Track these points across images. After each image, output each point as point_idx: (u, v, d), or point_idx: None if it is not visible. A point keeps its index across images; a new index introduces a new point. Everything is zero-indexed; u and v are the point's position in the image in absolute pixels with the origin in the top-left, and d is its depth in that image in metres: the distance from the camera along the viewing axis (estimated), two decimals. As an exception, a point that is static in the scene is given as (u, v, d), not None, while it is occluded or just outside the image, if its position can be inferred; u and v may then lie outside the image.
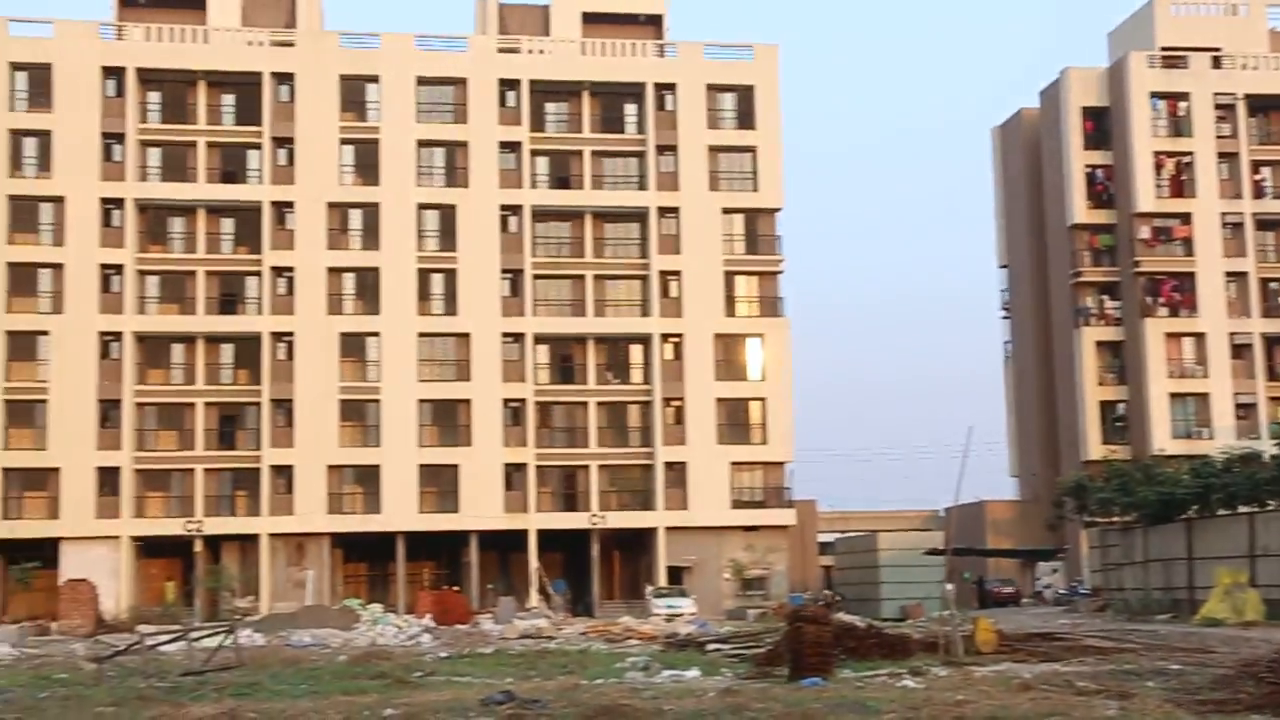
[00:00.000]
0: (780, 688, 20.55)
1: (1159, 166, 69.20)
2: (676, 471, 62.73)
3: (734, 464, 62.93)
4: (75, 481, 58.59)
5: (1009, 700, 17.22)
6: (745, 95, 64.64)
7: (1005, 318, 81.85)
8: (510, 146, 63.34)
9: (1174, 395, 67.64)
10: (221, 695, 20.20)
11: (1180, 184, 69.24)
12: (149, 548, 60.26)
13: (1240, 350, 68.32)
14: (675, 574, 61.39)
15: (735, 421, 63.58)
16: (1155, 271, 68.84)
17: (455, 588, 58.84)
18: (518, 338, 62.55)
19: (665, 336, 63.38)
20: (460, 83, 63.27)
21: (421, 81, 63.05)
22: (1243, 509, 43.29)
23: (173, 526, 59.27)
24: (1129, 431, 69.01)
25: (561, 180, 64.12)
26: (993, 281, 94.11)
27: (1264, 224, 69.54)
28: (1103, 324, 70.31)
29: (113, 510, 58.90)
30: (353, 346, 61.83)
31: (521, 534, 61.02)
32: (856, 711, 16.14)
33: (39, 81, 60.64)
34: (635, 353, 64.26)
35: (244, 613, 54.59)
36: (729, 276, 64.07)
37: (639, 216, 64.08)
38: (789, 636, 22.88)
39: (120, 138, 60.97)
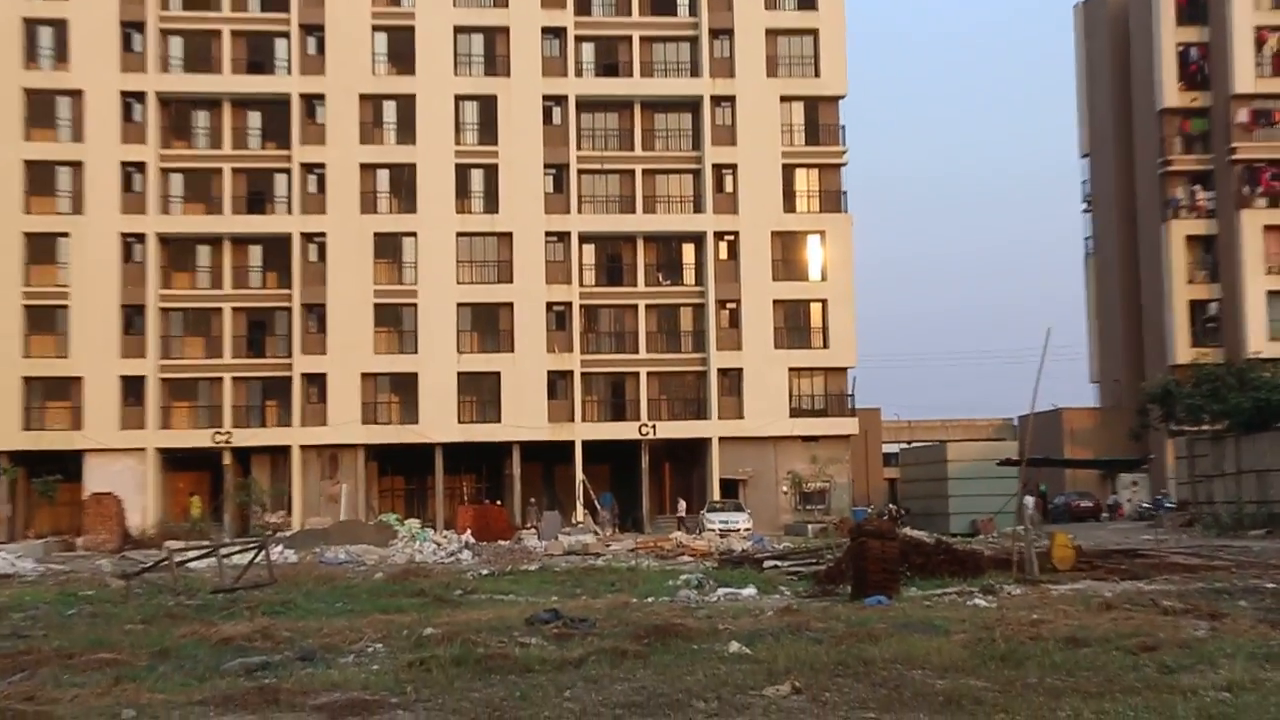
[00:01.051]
0: (842, 606, 20.60)
1: (1260, 43, 67.35)
2: (731, 378, 62.71)
3: (792, 370, 62.78)
4: (98, 391, 59.40)
5: (1088, 620, 17.14)
6: (805, -28, 63.54)
7: (1087, 211, 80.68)
8: (554, 32, 62.62)
9: (1271, 293, 66.55)
10: (254, 613, 20.50)
11: (1282, 63, 67.42)
12: (176, 460, 61.18)
13: (1345, 245, 66.94)
14: (730, 487, 61.65)
15: (794, 324, 63.30)
16: (1253, 159, 67.36)
17: (497, 502, 59.44)
18: (562, 237, 62.36)
19: (719, 234, 62.98)
20: (497, -39, 62.53)
21: (456, -39, 62.38)
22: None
23: (200, 438, 60.10)
24: (1221, 333, 68.07)
25: (609, 68, 63.42)
26: (1074, 173, 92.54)
27: (1374, 107, 67.67)
28: (1193, 216, 69.07)
29: (138, 421, 59.75)
30: (388, 247, 61.91)
31: (566, 445, 61.37)
32: (924, 631, 16.15)
33: (50, -35, 60.49)
34: (687, 252, 63.95)
35: (275, 528, 55.45)
36: (788, 169, 63.39)
37: (691, 106, 63.38)
38: (852, 553, 22.91)
39: (140, 26, 60.82)
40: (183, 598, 24.39)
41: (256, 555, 28.11)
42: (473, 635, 16.18)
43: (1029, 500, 62.04)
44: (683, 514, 58.98)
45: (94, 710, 11.67)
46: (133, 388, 60.16)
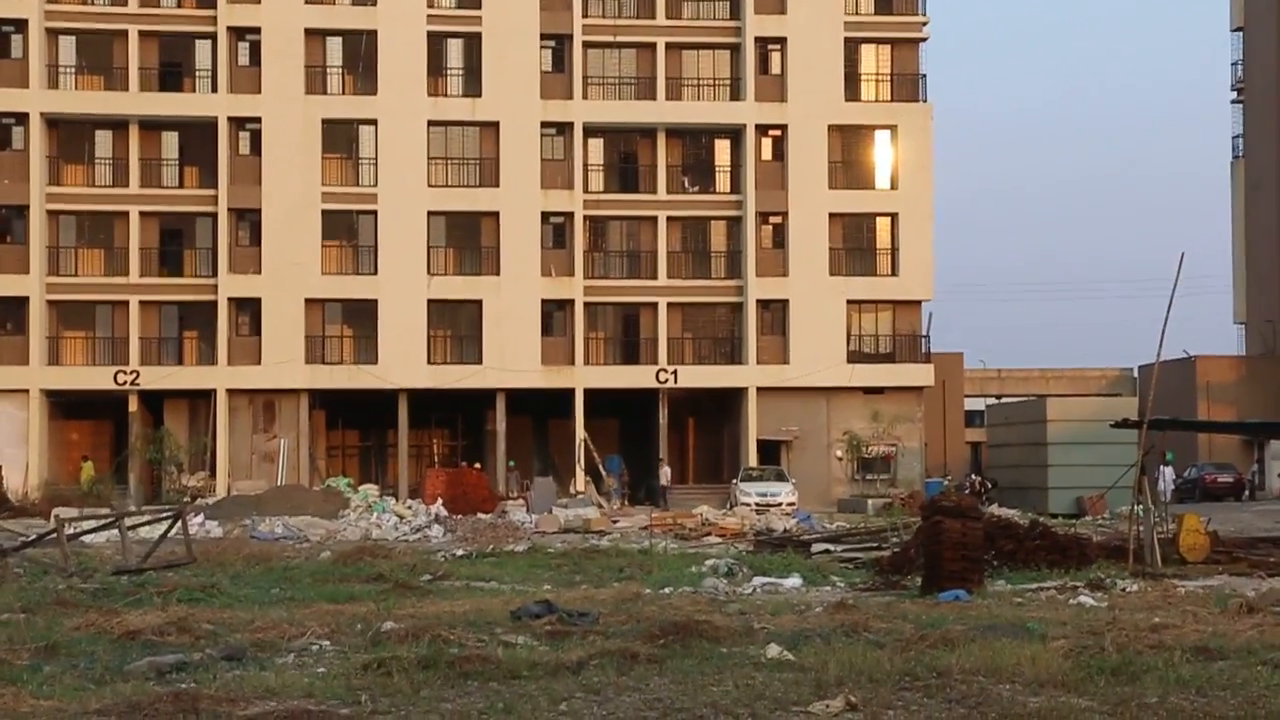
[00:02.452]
0: (910, 602, 20.68)
1: None
2: (774, 312, 62.64)
3: (852, 303, 62.68)
4: (-29, 316, 59.63)
5: (1225, 625, 17.18)
6: None
7: (1237, 101, 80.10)
8: None
9: None
10: (167, 600, 20.63)
11: None
12: (67, 406, 61.40)
13: None
14: (770, 450, 61.75)
15: (855, 245, 63.11)
16: None
17: (475, 465, 59.62)
18: (563, 129, 62.11)
19: (762, 128, 62.65)
20: None
21: None
22: None
23: (99, 378, 60.25)
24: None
25: (622, -90, 63.02)
26: (1222, 55, 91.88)
27: None
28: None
29: (18, 355, 59.93)
30: (340, 138, 61.73)
31: (565, 394, 61.45)
32: (1014, 635, 16.21)
33: None
34: (721, 150, 63.66)
35: (195, 494, 55.65)
36: (851, 45, 63.01)
37: (728, -39, 63.06)
38: (924, 535, 22.97)
39: None
40: (76, 580, 24.55)
41: (171, 527, 28.28)
42: (444, 631, 16.27)
43: (1166, 471, 62.23)
44: (665, 482, 58.95)
45: (-36, 719, 11.77)
46: (11, 312, 60.31)
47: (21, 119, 60.36)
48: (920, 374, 62.94)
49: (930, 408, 66.51)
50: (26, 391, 59.61)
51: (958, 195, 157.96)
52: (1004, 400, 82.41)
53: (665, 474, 59.87)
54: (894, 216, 62.89)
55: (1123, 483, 31.26)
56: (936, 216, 63.63)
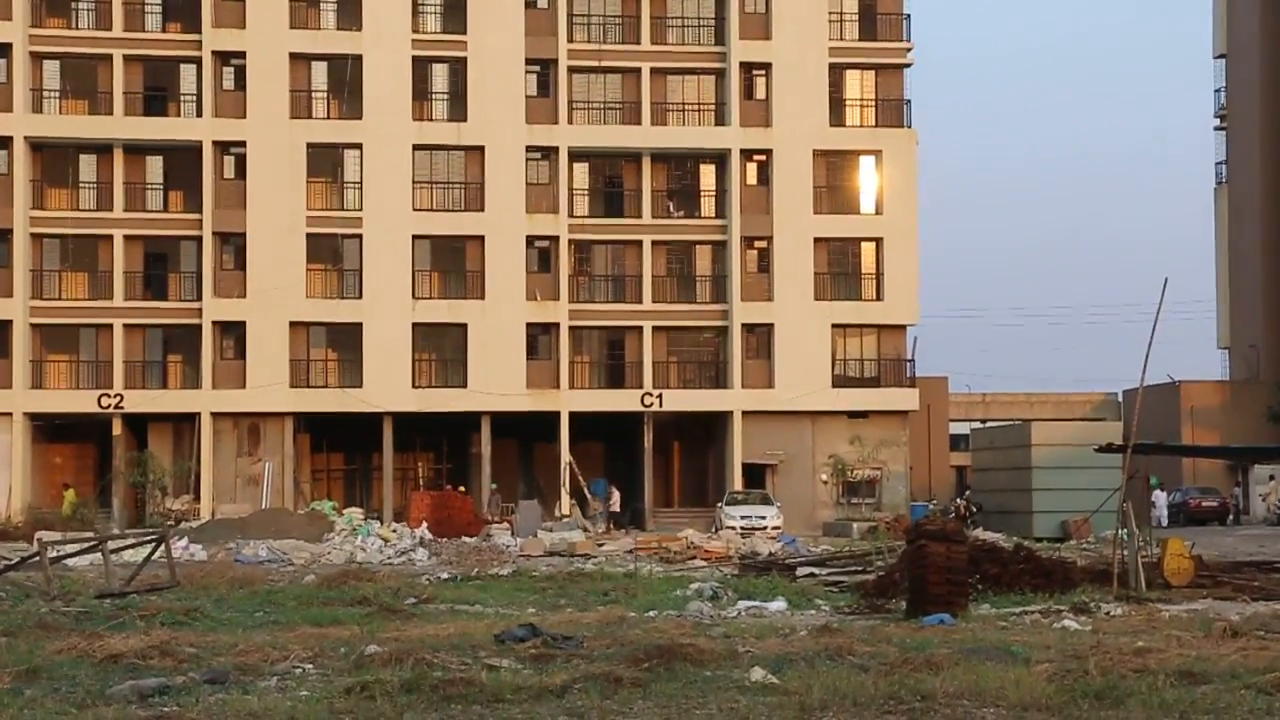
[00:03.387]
0: (895, 626, 20.68)
1: None
2: (759, 336, 62.69)
3: (837, 327, 62.75)
4: (-45, 339, 59.45)
5: (1209, 649, 17.20)
6: None
7: (1220, 128, 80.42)
8: (537, -113, 62.36)
9: None
10: (150, 624, 20.57)
11: None
12: (51, 429, 61.28)
13: None
14: (755, 474, 61.74)
15: (840, 269, 63.19)
16: None
17: (460, 488, 59.50)
18: (548, 153, 62.19)
19: (747, 153, 62.78)
20: None
21: None
22: None
23: (83, 401, 60.15)
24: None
25: (608, -65, 63.18)
26: (1204, 80, 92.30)
27: None
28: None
29: (1, 378, 59.80)
30: (324, 162, 61.75)
31: (550, 418, 61.42)
32: (998, 659, 16.21)
33: None
34: (706, 175, 63.77)
35: (178, 517, 55.48)
36: (836, 71, 63.18)
37: (714, -14, 63.19)
38: (908, 559, 22.96)
39: (6, -128, 60.53)
40: (58, 603, 24.44)
41: (154, 551, 28.20)
42: (428, 655, 16.22)
43: (1159, 496, 62.26)
44: (616, 507, 58.75)
45: (-56, 743, 11.71)
46: (-3, 336, 60.17)
47: (5, 142, 60.31)
48: (905, 398, 63.00)
49: (915, 432, 66.57)
50: (10, 415, 59.45)
51: (943, 221, 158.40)
52: (989, 424, 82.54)
53: (616, 499, 59.39)
54: (879, 241, 62.98)
55: (1107, 507, 31.31)
56: (921, 241, 63.81)
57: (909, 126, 63.58)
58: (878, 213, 63.09)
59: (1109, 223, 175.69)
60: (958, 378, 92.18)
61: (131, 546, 31.41)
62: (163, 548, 27.78)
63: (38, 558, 26.94)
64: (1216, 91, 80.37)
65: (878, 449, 61.24)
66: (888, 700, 13.47)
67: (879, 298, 62.92)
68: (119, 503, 59.51)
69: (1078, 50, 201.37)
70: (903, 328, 63.44)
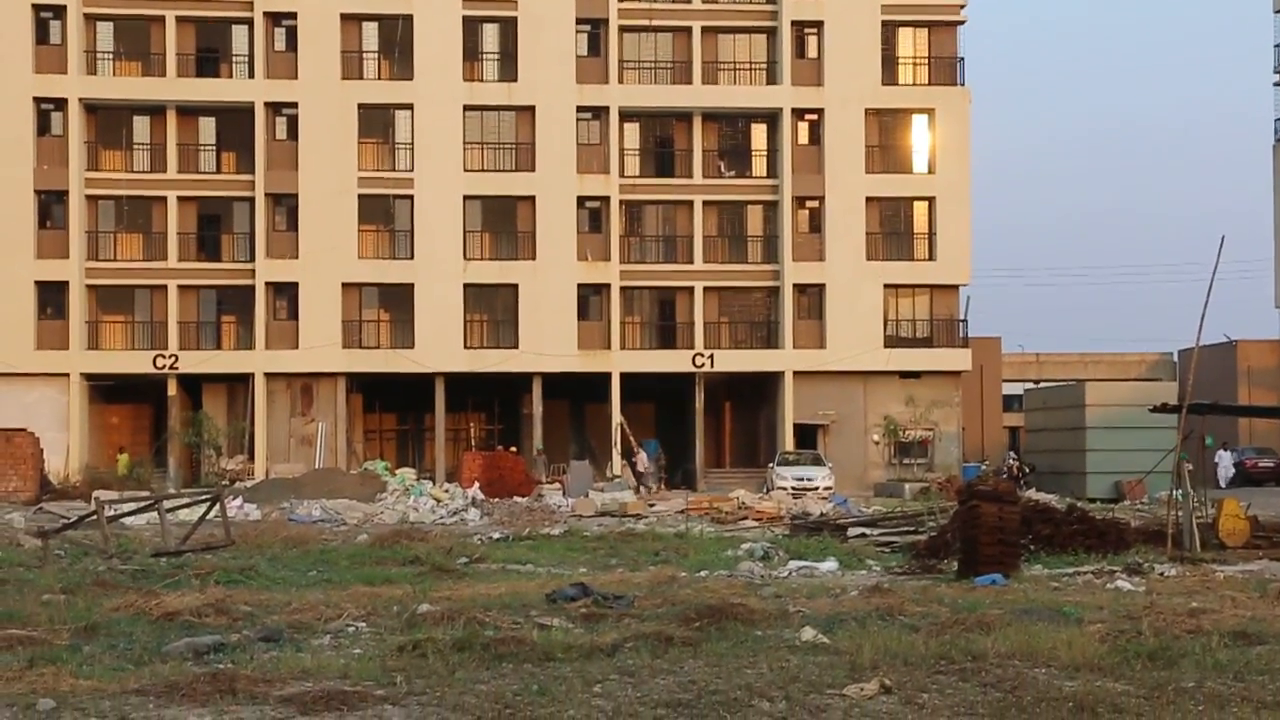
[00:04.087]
0: (946, 586, 20.68)
1: None
2: (810, 297, 62.55)
3: (889, 287, 62.54)
4: (7, 300, 59.88)
5: (1263, 610, 17.13)
6: None
7: None
8: None
9: None
10: (205, 582, 20.78)
11: None
12: (107, 390, 61.74)
13: None
14: (807, 434, 61.71)
15: (893, 229, 62.93)
16: None
17: (512, 449, 59.73)
18: (598, 113, 62.10)
19: (799, 112, 62.52)
20: None
21: None
22: None
23: (138, 362, 60.56)
24: None
25: (658, -107, 62.88)
26: (1265, 37, 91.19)
27: None
28: None
29: (58, 339, 60.28)
30: (376, 123, 61.85)
31: (601, 378, 61.51)
32: (1050, 619, 16.20)
33: None
34: (757, 134, 63.56)
35: (233, 477, 55.93)
36: (889, 28, 62.79)
37: (765, -56, 62.88)
38: (960, 520, 22.95)
39: None
40: (115, 561, 24.74)
41: (209, 510, 28.42)
42: (480, 614, 16.33)
43: (1224, 455, 61.84)
44: (643, 468, 58.46)
45: (2, 699, 11.86)
46: (51, 297, 60.61)
47: (60, 105, 60.63)
48: (958, 358, 62.78)
49: (968, 392, 66.37)
50: (66, 375, 59.93)
51: (996, 178, 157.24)
52: (1042, 385, 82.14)
53: (643, 457, 59.20)
54: (931, 201, 62.69)
55: (1161, 467, 31.15)
56: (974, 201, 63.42)
57: (962, 85, 63.16)
58: (930, 172, 62.79)
59: (1166, 181, 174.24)
60: (1011, 338, 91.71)
61: (187, 506, 31.73)
62: (218, 507, 28.00)
63: (95, 517, 27.22)
64: (1276, 47, 79.33)
65: (930, 409, 61.14)
66: (939, 660, 13.47)
67: (931, 257, 62.67)
68: (174, 462, 59.96)
69: (1134, 7, 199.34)
70: (955, 287, 63.18)
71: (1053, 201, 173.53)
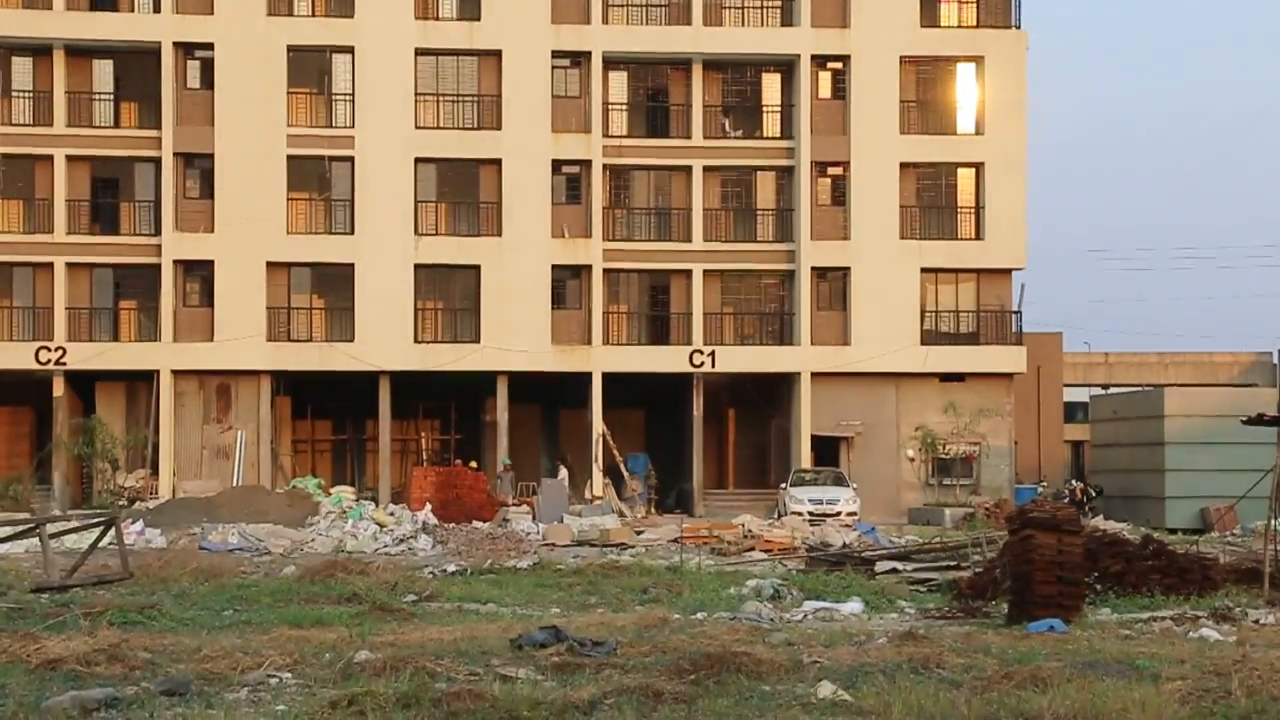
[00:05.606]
0: (994, 633, 20.67)
1: None
2: (832, 283, 62.59)
3: (928, 271, 62.58)
4: None
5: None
6: None
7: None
8: None
9: None
10: (96, 623, 20.72)
11: None
12: (-16, 389, 61.70)
13: None
14: (827, 449, 61.74)
15: (932, 202, 62.98)
16: None
17: (471, 464, 59.70)
18: (578, 59, 62.09)
19: (820, 60, 62.55)
20: None
21: None
22: None
23: (18, 355, 60.40)
24: None
25: None
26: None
27: None
28: None
29: (-74, 328, 60.23)
30: (309, 69, 61.77)
31: (579, 379, 61.51)
32: (1119, 675, 16.21)
33: None
34: (770, 86, 63.59)
35: (132, 495, 55.81)
36: (929, -41, 62.96)
37: None
38: (1012, 552, 22.94)
39: None
40: (-10, 597, 24.68)
41: (102, 536, 28.33)
42: (430, 662, 16.31)
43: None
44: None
45: None
46: (-83, 277, 60.56)
47: (-74, 43, 60.59)
48: (1010, 358, 62.80)
49: (1022, 399, 66.37)
50: (-69, 371, 59.91)
51: (1056, 142, 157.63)
52: (1112, 391, 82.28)
53: (563, 476, 59.01)
54: (979, 167, 62.70)
55: (1257, 491, 31.14)
56: (1030, 167, 63.49)
57: (1017, 27, 63.19)
58: (978, 133, 62.79)
59: (1259, 144, 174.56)
60: (1074, 334, 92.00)
61: (75, 530, 31.62)
62: (113, 532, 27.90)
63: (-37, 543, 27.14)
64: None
65: (976, 419, 61.16)
66: (985, 723, 13.46)
67: (978, 236, 62.69)
68: (60, 478, 59.83)
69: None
70: (1007, 272, 63.21)
71: (1127, 169, 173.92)
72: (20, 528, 30.82)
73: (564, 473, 58.84)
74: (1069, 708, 14.02)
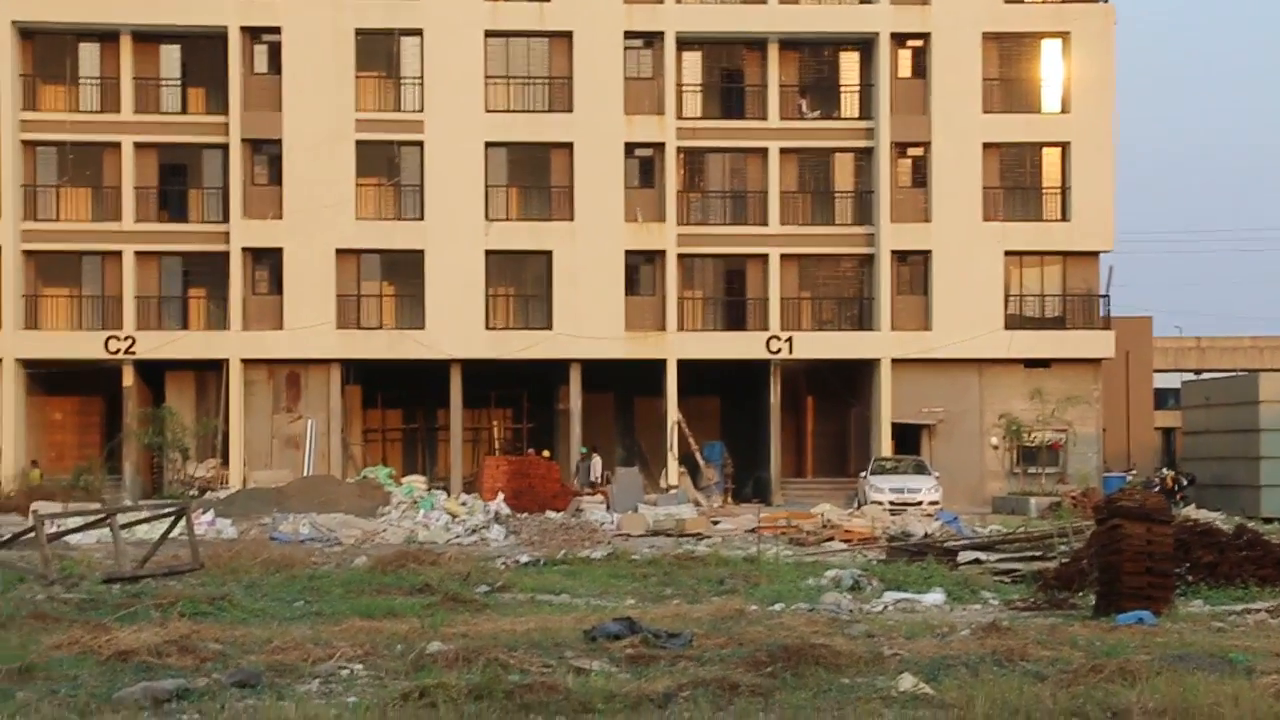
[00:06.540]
0: (1081, 625, 20.60)
1: None
2: (913, 266, 62.37)
3: (1011, 255, 62.26)
4: (-67, 270, 60.42)
5: None
6: None
7: None
8: None
9: None
10: (167, 614, 20.90)
11: None
12: (49, 379, 62.07)
13: None
14: (908, 437, 61.56)
15: (1016, 183, 62.65)
16: None
17: (544, 452, 59.83)
18: (651, 40, 62.04)
19: (900, 38, 62.31)
20: None
21: None
22: None
23: (86, 344, 60.81)
24: None
25: None
26: None
27: None
28: None
29: (-9, 317, 60.73)
30: (377, 52, 61.93)
31: (654, 366, 61.49)
32: (1211, 668, 16.11)
33: None
34: (848, 65, 63.37)
35: (203, 486, 56.21)
36: (1012, -66, 62.63)
37: None
38: (1099, 542, 22.86)
39: None
40: (58, 589, 24.89)
41: (173, 526, 28.58)
42: (502, 654, 16.37)
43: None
44: (595, 476, 58.34)
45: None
46: (-17, 265, 61.09)
47: (-10, 27, 61.00)
48: (1097, 343, 62.44)
49: (1110, 385, 66.00)
50: (-1, 361, 60.41)
51: (1145, 118, 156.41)
52: (1205, 376, 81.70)
53: (596, 465, 59.09)
54: (1065, 147, 62.32)
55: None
56: (1119, 146, 63.07)
57: (1105, 1, 62.77)
58: (1063, 111, 62.41)
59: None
60: (1164, 318, 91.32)
61: (146, 521, 31.95)
62: (183, 523, 28.15)
63: (33, 534, 27.39)
64: None
65: (1062, 406, 60.86)
66: (1070, 717, 13.43)
67: (1064, 217, 62.33)
68: (131, 468, 60.25)
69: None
70: (1094, 255, 62.83)
71: (1221, 145, 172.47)
72: (92, 518, 31.15)
73: (596, 460, 58.91)
74: (1159, 702, 13.96)
